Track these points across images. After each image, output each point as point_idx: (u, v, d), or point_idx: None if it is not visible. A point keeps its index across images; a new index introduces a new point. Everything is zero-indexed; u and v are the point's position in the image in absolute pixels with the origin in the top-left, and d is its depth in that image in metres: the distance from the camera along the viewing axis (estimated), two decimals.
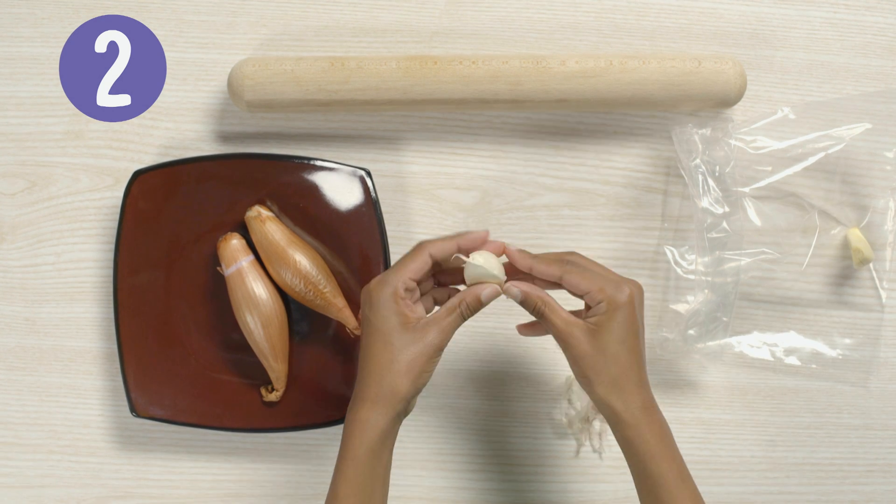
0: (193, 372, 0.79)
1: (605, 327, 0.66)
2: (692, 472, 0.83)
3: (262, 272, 0.77)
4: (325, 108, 0.78)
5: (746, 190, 0.79)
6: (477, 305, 0.67)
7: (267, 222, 0.76)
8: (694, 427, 0.82)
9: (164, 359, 0.79)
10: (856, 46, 0.82)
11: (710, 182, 0.77)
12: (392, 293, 0.66)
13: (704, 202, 0.77)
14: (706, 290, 0.77)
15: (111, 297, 0.81)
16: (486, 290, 0.67)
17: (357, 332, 0.77)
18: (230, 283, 0.76)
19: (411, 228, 0.82)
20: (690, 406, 0.82)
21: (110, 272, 0.81)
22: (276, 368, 0.77)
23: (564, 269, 0.67)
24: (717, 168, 0.77)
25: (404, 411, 0.67)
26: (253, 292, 0.76)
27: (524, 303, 0.68)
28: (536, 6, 0.82)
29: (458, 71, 0.76)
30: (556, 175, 0.82)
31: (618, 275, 0.68)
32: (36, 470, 0.83)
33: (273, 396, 0.78)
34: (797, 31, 0.82)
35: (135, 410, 0.78)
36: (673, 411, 0.82)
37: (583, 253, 0.81)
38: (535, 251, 0.81)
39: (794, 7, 0.82)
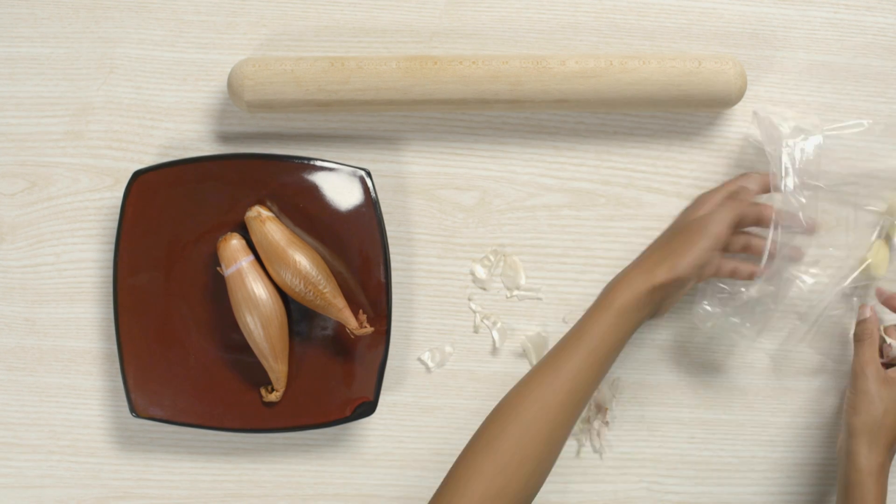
0: (193, 372, 0.79)
1: None
2: (691, 472, 0.83)
3: (262, 272, 0.77)
4: (325, 109, 0.78)
5: (823, 187, 0.78)
6: (749, 196, 0.79)
7: (267, 222, 0.76)
8: (694, 427, 0.82)
9: (164, 359, 0.79)
10: (856, 47, 0.82)
11: (791, 172, 0.76)
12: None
13: (784, 189, 0.76)
14: (764, 276, 0.77)
15: (111, 298, 0.81)
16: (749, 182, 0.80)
17: (357, 333, 0.77)
18: (230, 284, 0.76)
19: (411, 228, 0.82)
20: (691, 406, 0.82)
21: (110, 272, 0.81)
22: (276, 369, 0.77)
23: None
24: (797, 160, 0.77)
25: (661, 298, 0.75)
26: (253, 292, 0.76)
27: (861, 324, 0.79)
28: (536, 6, 0.82)
29: (458, 71, 0.76)
30: (556, 175, 0.82)
31: None
32: (35, 470, 0.83)
33: (273, 397, 0.78)
34: (797, 31, 0.82)
35: (135, 411, 0.78)
36: (673, 411, 0.82)
37: (582, 253, 0.82)
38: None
39: (794, 7, 0.82)
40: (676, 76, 0.76)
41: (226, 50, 0.82)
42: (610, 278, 0.82)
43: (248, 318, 0.76)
